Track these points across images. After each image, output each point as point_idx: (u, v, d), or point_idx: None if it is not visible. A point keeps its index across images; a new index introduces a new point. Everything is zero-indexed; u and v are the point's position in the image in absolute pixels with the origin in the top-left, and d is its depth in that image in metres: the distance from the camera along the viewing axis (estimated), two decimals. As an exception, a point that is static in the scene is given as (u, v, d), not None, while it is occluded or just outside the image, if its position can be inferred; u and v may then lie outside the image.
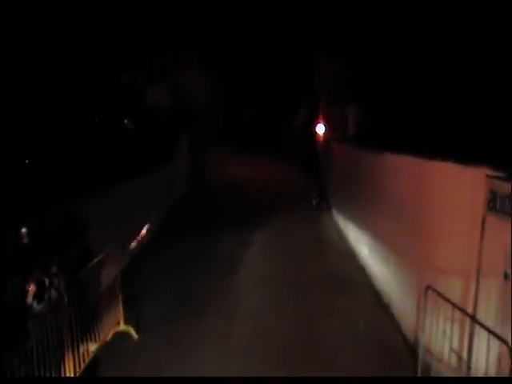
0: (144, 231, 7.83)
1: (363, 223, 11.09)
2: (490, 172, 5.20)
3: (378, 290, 9.24)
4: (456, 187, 6.06)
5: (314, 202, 17.18)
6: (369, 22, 14.76)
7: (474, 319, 5.25)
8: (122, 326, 7.46)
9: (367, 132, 13.70)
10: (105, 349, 6.82)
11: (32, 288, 5.53)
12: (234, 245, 12.27)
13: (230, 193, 19.51)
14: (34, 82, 13.53)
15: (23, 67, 13.51)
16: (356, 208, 12.00)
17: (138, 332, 7.46)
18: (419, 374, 5.89)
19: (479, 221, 5.26)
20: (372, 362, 6.71)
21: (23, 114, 11.61)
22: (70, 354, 5.83)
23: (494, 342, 4.71)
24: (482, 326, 4.93)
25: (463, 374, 5.46)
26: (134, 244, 7.64)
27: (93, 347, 6.54)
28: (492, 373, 4.97)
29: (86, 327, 6.40)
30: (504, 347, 4.52)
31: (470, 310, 5.42)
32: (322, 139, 20.70)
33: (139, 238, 7.71)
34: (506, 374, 4.47)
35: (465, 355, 5.53)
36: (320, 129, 20.45)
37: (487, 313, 5.16)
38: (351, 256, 11.52)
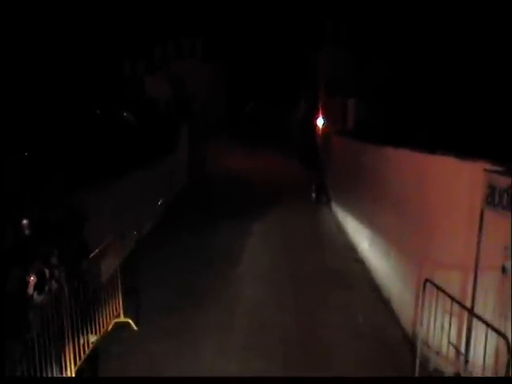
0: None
1: (362, 216, 11.12)
2: (489, 166, 5.22)
3: (378, 283, 9.28)
4: (455, 181, 6.08)
5: (313, 195, 17.20)
6: (371, 15, 14.72)
7: (472, 313, 5.28)
8: (122, 318, 7.49)
9: (367, 125, 13.70)
10: (105, 340, 6.87)
11: (33, 279, 5.56)
12: (235, 236, 12.31)
13: (231, 185, 19.52)
14: (35, 74, 13.50)
15: (24, 59, 13.48)
16: (355, 201, 12.03)
17: (137, 324, 7.49)
18: (417, 367, 5.93)
19: (478, 215, 5.28)
20: (370, 355, 6.76)
21: (24, 105, 11.59)
22: (71, 344, 5.86)
23: (492, 336, 4.73)
24: (480, 319, 4.96)
25: (461, 367, 5.50)
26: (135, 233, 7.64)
27: (93, 338, 6.58)
28: (489, 366, 5.00)
29: (86, 318, 6.45)
30: (502, 341, 4.55)
31: (468, 304, 5.45)
32: (321, 132, 20.71)
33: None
34: (503, 367, 4.51)
35: (463, 349, 5.57)
36: (320, 122, 20.44)
37: (485, 306, 5.19)
38: (350, 249, 11.56)
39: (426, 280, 5.89)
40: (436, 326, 5.86)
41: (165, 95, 24.21)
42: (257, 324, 7.70)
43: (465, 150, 6.08)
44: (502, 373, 4.64)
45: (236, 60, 33.77)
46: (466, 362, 5.39)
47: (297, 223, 14.10)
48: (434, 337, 5.93)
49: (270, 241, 12.36)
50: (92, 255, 6.54)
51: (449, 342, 5.70)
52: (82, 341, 6.23)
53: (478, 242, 5.31)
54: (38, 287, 5.61)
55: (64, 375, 5.72)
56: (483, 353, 4.91)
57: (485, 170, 5.20)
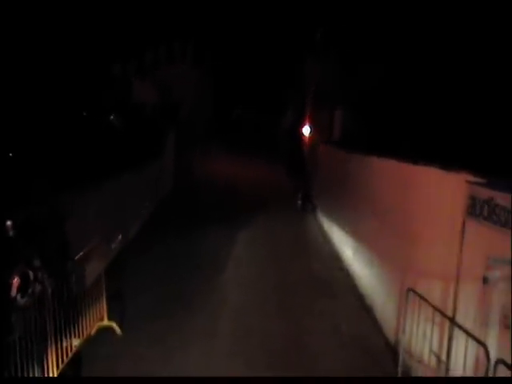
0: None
1: (347, 225, 11.21)
2: (471, 178, 5.32)
3: (361, 292, 9.35)
4: (438, 192, 6.18)
5: (299, 203, 17.28)
6: (358, 25, 14.89)
7: (453, 322, 5.37)
8: (106, 322, 7.46)
9: (353, 135, 13.84)
10: (88, 343, 6.83)
11: (16, 281, 5.52)
12: (221, 243, 12.30)
13: (217, 192, 19.51)
14: (21, 75, 13.41)
15: (9, 60, 13.38)
16: (340, 210, 12.12)
17: (121, 328, 7.46)
18: (399, 376, 5.99)
19: (460, 225, 5.38)
20: (353, 363, 6.80)
21: (9, 107, 11.51)
22: (53, 347, 5.83)
23: (472, 345, 4.82)
24: (461, 328, 5.04)
25: (442, 375, 5.57)
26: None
27: (76, 342, 6.54)
28: (469, 374, 5.07)
29: (70, 321, 6.41)
30: (481, 349, 4.63)
31: (449, 313, 5.53)
32: (308, 141, 20.83)
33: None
34: (482, 375, 4.58)
35: (444, 357, 5.64)
36: (306, 131, 20.57)
37: (466, 316, 5.27)
38: (335, 258, 11.63)
39: (409, 289, 5.97)
40: (418, 335, 5.94)
41: (152, 100, 24.19)
42: (242, 331, 7.71)
43: (448, 161, 6.19)
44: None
45: (224, 67, 33.88)
46: (447, 370, 5.47)
47: (282, 231, 14.14)
48: (416, 345, 6.01)
49: (256, 249, 12.35)
50: (77, 257, 6.51)
51: (430, 351, 5.78)
52: (64, 344, 6.19)
53: (460, 252, 5.39)
54: (22, 289, 5.58)
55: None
56: (463, 361, 4.98)
57: (466, 181, 5.30)
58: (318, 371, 6.54)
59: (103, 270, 7.38)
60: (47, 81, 14.54)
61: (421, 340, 5.91)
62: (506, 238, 4.60)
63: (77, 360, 6.41)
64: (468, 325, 5.06)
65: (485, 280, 5.12)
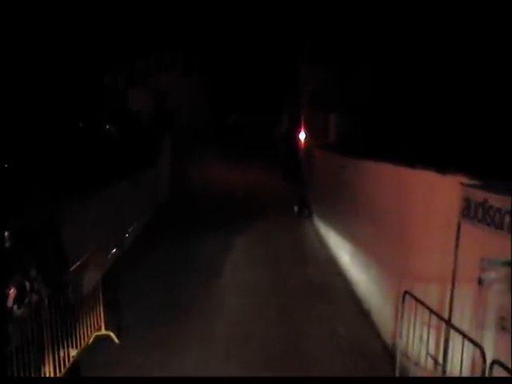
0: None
1: (343, 230, 11.22)
2: (465, 180, 5.35)
3: (359, 296, 9.35)
4: (433, 195, 6.21)
5: (295, 209, 17.27)
6: (352, 32, 14.97)
7: (449, 324, 5.38)
8: (103, 331, 7.45)
9: (348, 139, 13.88)
10: (86, 353, 6.82)
11: (12, 292, 5.52)
12: (218, 250, 12.30)
13: (214, 198, 19.48)
14: (18, 85, 13.45)
15: (7, 70, 13.42)
16: (336, 215, 12.13)
17: (119, 336, 7.45)
18: (397, 378, 6.01)
19: (455, 228, 5.40)
20: (351, 367, 6.82)
21: (6, 117, 11.53)
22: (51, 357, 5.82)
23: (468, 347, 4.83)
24: (457, 330, 5.06)
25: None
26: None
27: (73, 352, 6.53)
28: (466, 376, 5.09)
29: (67, 331, 6.40)
30: (478, 351, 4.64)
31: (446, 315, 5.55)
32: (303, 146, 20.86)
33: None
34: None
35: (440, 359, 5.66)
36: (302, 135, 20.60)
37: (462, 318, 5.29)
38: (332, 263, 11.62)
39: (406, 292, 5.99)
40: (415, 338, 5.95)
41: (147, 107, 24.23)
42: (239, 336, 7.72)
43: (444, 164, 6.22)
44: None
45: (219, 73, 33.97)
46: (444, 372, 5.48)
47: (279, 237, 14.13)
48: (412, 348, 6.01)
49: (254, 254, 12.35)
50: (74, 267, 6.51)
51: (427, 353, 5.79)
52: (62, 354, 6.18)
53: (455, 255, 5.42)
54: (18, 300, 5.58)
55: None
56: (460, 363, 5.00)
57: (461, 183, 5.33)
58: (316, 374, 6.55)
59: (100, 279, 7.37)
60: (44, 91, 14.58)
61: (417, 342, 5.91)
62: (501, 240, 4.62)
63: (75, 370, 6.39)
64: (464, 327, 5.08)
65: (480, 282, 5.15)
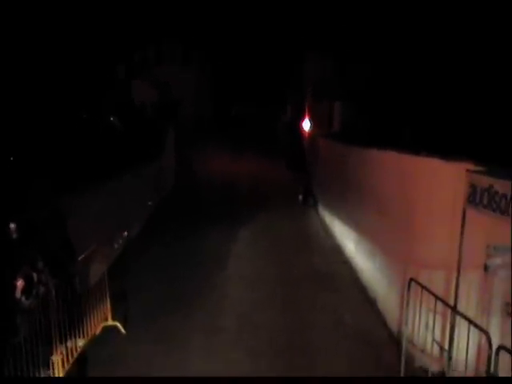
0: None
1: (348, 218, 11.21)
2: (471, 167, 5.34)
3: (364, 284, 9.37)
4: (439, 182, 6.20)
5: (300, 198, 17.27)
6: (355, 20, 14.88)
7: (455, 310, 5.39)
8: (110, 321, 7.50)
9: (352, 128, 13.84)
10: (93, 343, 6.87)
11: (20, 283, 5.57)
12: (223, 240, 12.33)
13: (218, 187, 19.53)
14: (21, 78, 13.45)
15: (9, 63, 13.42)
16: (341, 203, 12.11)
17: (125, 327, 7.50)
18: (403, 366, 6.02)
19: (460, 214, 5.39)
20: (357, 354, 6.85)
21: (9, 110, 11.54)
22: (59, 348, 5.87)
23: (474, 333, 4.84)
24: (463, 316, 5.07)
25: (445, 363, 5.60)
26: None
27: (81, 342, 6.58)
28: (472, 362, 5.11)
29: (74, 322, 6.45)
30: (484, 337, 4.65)
31: (451, 302, 5.56)
32: (308, 135, 20.82)
33: None
34: (484, 362, 4.60)
35: (446, 346, 5.67)
36: (306, 125, 20.55)
37: (468, 304, 5.30)
38: (337, 251, 11.63)
39: (411, 279, 5.99)
40: (421, 325, 5.96)
41: (151, 99, 24.21)
42: (246, 326, 7.76)
43: (449, 150, 6.21)
44: (483, 368, 4.74)
45: (222, 64, 33.90)
46: (450, 358, 5.49)
47: (284, 226, 14.15)
48: (418, 335, 6.03)
49: (258, 244, 12.38)
50: (80, 259, 6.55)
51: (433, 340, 5.81)
52: (70, 345, 6.23)
53: (461, 241, 5.42)
54: (26, 291, 5.63)
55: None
56: (466, 349, 5.01)
57: (467, 170, 5.32)
58: (322, 364, 6.58)
59: (106, 271, 7.41)
60: (47, 83, 14.57)
61: (423, 329, 5.93)
62: (506, 226, 4.62)
63: (82, 360, 6.44)
64: (470, 313, 5.09)
65: (485, 268, 5.15)
